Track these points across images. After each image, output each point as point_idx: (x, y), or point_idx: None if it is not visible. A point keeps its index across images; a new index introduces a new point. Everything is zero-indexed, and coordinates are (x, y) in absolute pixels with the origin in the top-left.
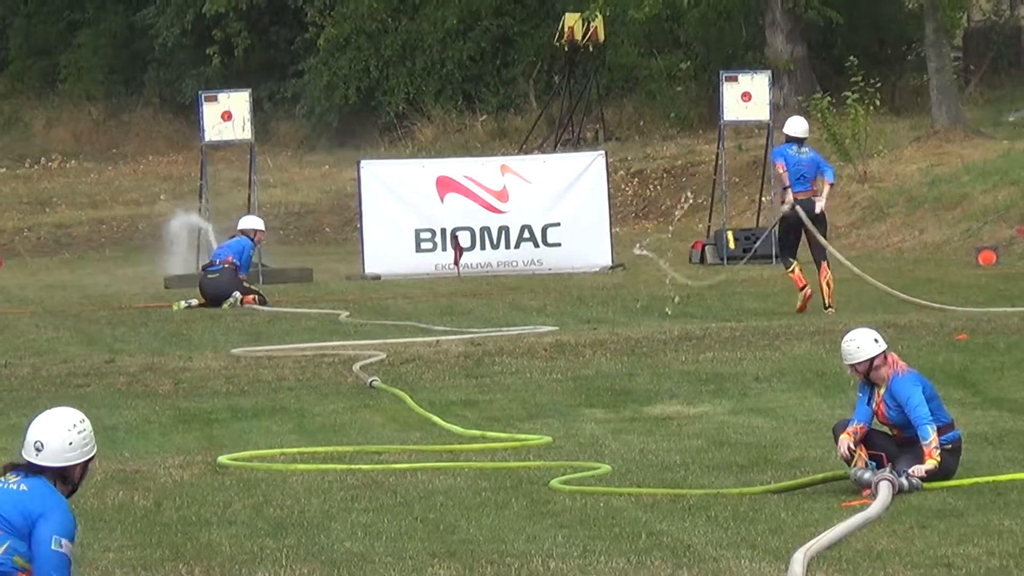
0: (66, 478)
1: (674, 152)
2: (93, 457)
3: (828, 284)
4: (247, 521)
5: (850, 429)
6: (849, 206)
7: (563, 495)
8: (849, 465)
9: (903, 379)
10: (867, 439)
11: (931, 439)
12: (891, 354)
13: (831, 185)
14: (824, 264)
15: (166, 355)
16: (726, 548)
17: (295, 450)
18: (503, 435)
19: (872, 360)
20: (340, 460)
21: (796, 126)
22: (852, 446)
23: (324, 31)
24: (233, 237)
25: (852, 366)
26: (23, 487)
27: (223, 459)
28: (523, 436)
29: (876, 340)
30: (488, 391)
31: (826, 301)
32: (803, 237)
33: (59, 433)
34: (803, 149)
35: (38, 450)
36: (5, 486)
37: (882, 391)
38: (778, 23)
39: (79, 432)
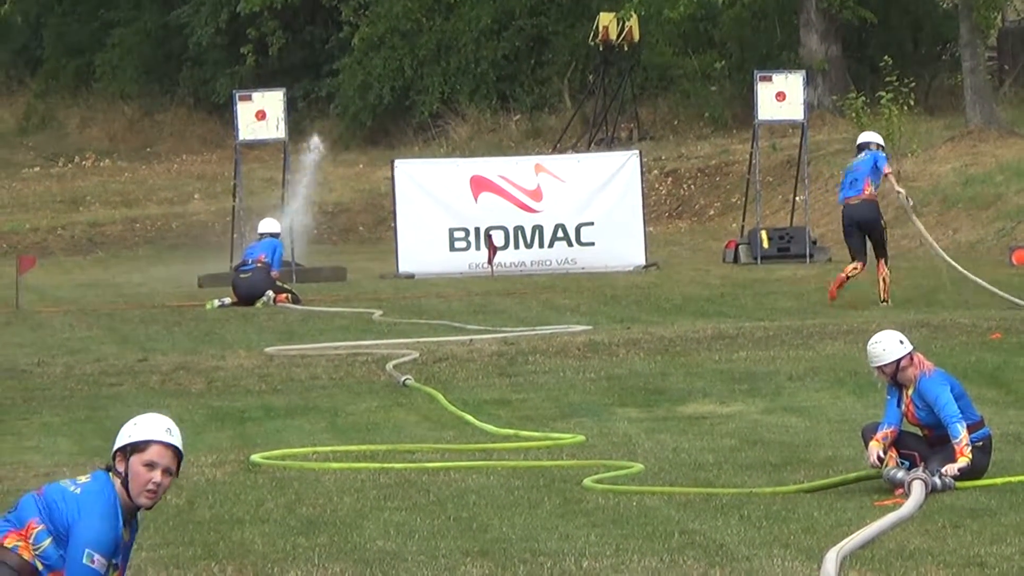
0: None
1: (708, 151)
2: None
3: (884, 280)
4: (280, 520)
5: (879, 435)
6: (883, 205)
7: (596, 494)
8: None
9: (931, 379)
10: (898, 440)
11: (961, 437)
12: (917, 355)
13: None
14: (882, 261)
15: (199, 354)
16: (759, 547)
17: (328, 449)
18: (536, 434)
19: (898, 361)
20: (373, 459)
21: (860, 136)
22: (881, 454)
23: (359, 30)
24: (263, 238)
25: (879, 368)
26: (78, 491)
27: (256, 458)
28: (556, 435)
29: (902, 341)
30: (521, 390)
31: (882, 296)
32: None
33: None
34: (860, 155)
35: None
36: (71, 485)
37: (910, 392)
38: (812, 23)
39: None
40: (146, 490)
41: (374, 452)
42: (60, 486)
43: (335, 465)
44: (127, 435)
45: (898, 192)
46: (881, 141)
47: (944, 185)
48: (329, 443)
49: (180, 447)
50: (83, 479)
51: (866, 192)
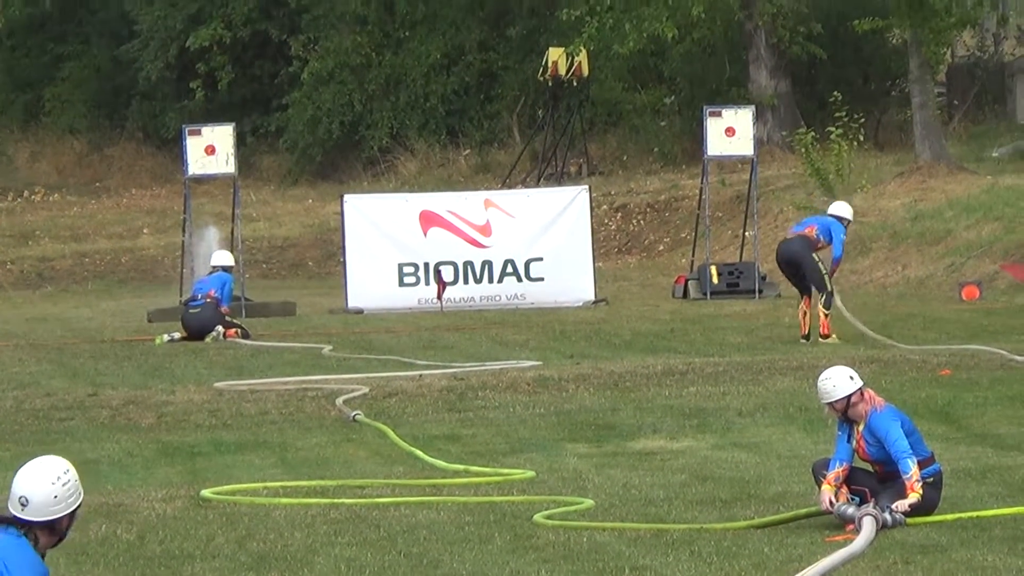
0: (54, 529)
1: (658, 187)
2: (80, 505)
3: (805, 315)
4: (230, 555)
5: (831, 476)
6: None
7: (546, 530)
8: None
9: (881, 414)
10: (849, 476)
11: (912, 473)
12: (867, 390)
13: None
14: (806, 298)
15: (149, 388)
16: None
17: (278, 484)
18: (486, 469)
19: (849, 398)
20: (323, 494)
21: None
22: (833, 499)
23: (308, 65)
24: (212, 272)
25: (829, 404)
26: None
27: (206, 493)
28: (506, 470)
29: (852, 377)
30: (471, 425)
31: (802, 330)
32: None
33: (43, 487)
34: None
35: (23, 505)
36: None
37: (861, 428)
38: (762, 58)
39: (63, 484)
40: None
41: (324, 487)
42: None
43: (285, 500)
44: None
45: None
46: (849, 216)
47: (893, 220)
48: (279, 478)
49: (37, 520)
50: None
51: (807, 232)
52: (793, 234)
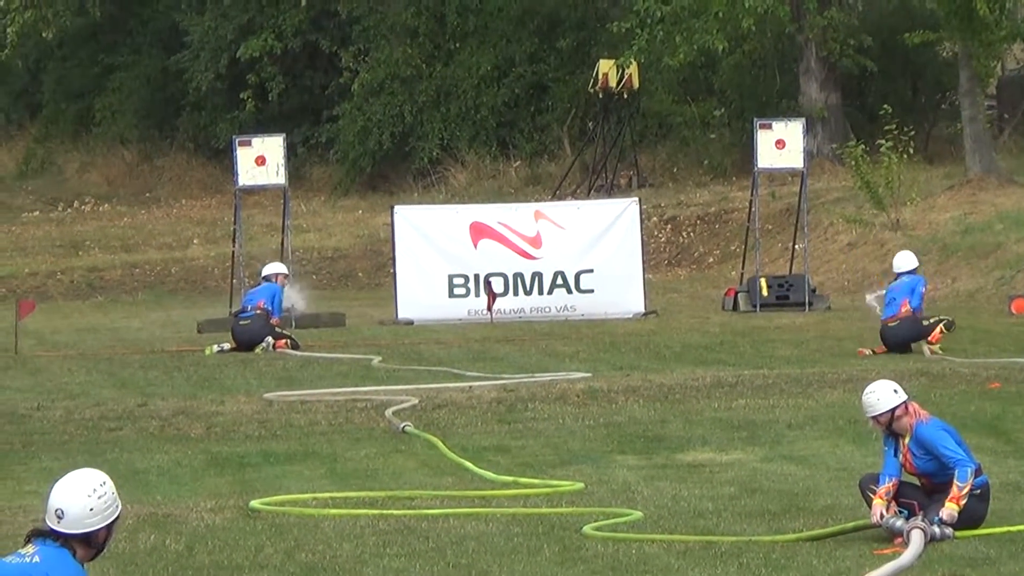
0: (90, 542)
1: (708, 199)
2: (118, 518)
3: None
4: (279, 566)
5: (881, 491)
6: (882, 254)
7: (595, 541)
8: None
9: (927, 426)
10: (897, 490)
11: (967, 483)
12: (912, 404)
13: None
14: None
15: (198, 399)
16: None
17: (327, 495)
18: (535, 481)
19: (893, 411)
20: (372, 505)
21: (898, 260)
22: (884, 512)
23: (358, 76)
24: (261, 283)
25: (874, 418)
26: (36, 559)
27: (255, 503)
28: (555, 482)
29: (896, 391)
30: (520, 437)
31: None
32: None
33: (79, 499)
34: (901, 277)
35: (59, 518)
36: (21, 559)
37: (907, 441)
38: (812, 71)
39: (99, 497)
40: None
41: (373, 498)
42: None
43: (334, 511)
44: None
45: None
46: (916, 263)
47: (943, 234)
48: (328, 489)
49: (72, 532)
50: (31, 549)
51: (903, 311)
52: (893, 318)
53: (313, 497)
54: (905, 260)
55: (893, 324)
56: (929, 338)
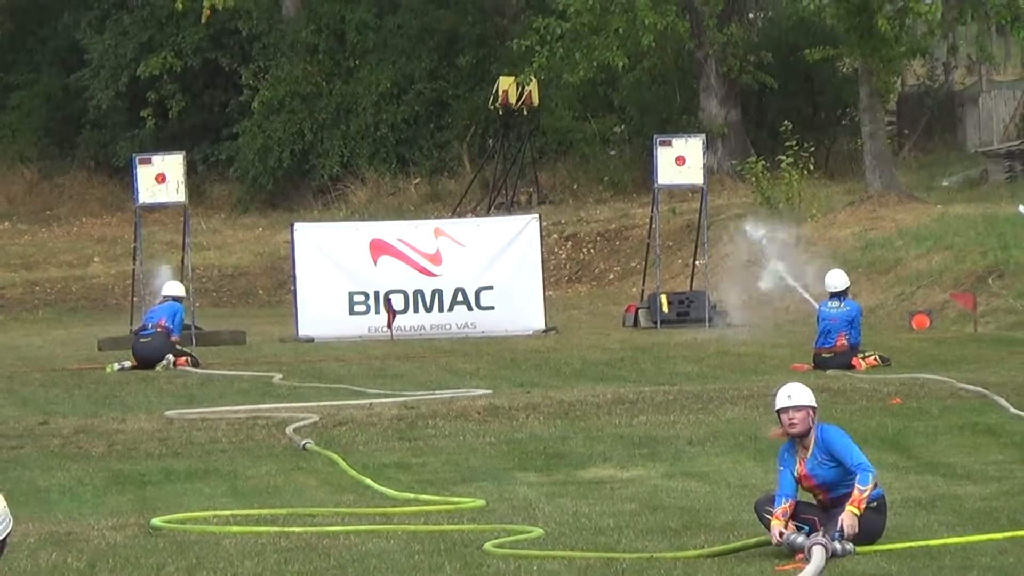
0: None
1: (608, 216)
2: (7, 537)
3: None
4: None
5: (778, 512)
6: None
7: (496, 558)
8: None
9: (831, 427)
10: (794, 509)
11: (868, 487)
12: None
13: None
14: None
15: (99, 417)
16: None
17: (228, 512)
18: (436, 498)
19: (814, 409)
20: (273, 523)
21: (831, 279)
22: (783, 530)
23: (258, 94)
24: (163, 302)
25: (793, 408)
26: None
27: (156, 521)
28: (456, 499)
29: (810, 393)
30: (421, 454)
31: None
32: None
33: None
34: (838, 303)
35: None
36: None
37: (810, 450)
38: (712, 87)
39: None
40: None
41: (274, 516)
42: None
43: (235, 529)
44: None
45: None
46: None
47: (844, 250)
48: (229, 507)
49: None
50: None
51: (838, 346)
52: (829, 350)
53: (214, 515)
54: (838, 279)
55: (828, 356)
56: (861, 365)
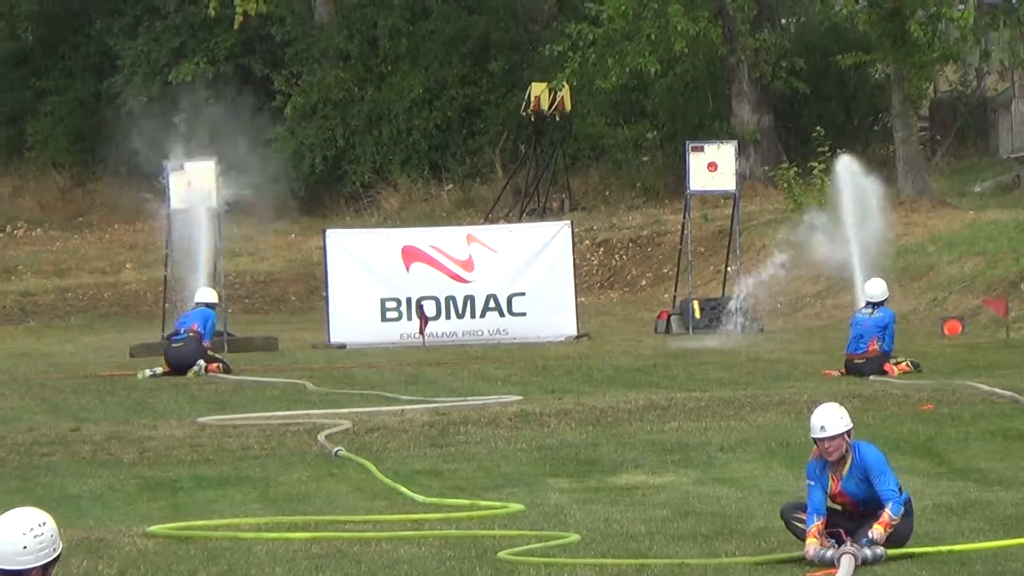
0: None
1: (640, 222)
2: (55, 561)
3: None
4: None
5: (813, 530)
6: (815, 276)
7: (528, 565)
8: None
9: (868, 447)
10: (825, 526)
11: (898, 518)
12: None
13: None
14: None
15: (131, 424)
16: None
17: (260, 519)
18: (467, 503)
19: (849, 432)
20: (305, 529)
21: (870, 288)
22: (819, 548)
23: (291, 100)
24: (195, 308)
25: (827, 440)
26: None
27: (153, 529)
28: (488, 504)
29: (842, 417)
30: (453, 460)
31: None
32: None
33: (12, 536)
34: (871, 310)
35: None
36: None
37: (845, 471)
38: (745, 93)
39: (35, 536)
40: None
41: (306, 522)
42: None
43: (267, 535)
44: None
45: None
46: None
47: (876, 255)
48: (261, 513)
49: (23, 568)
50: None
51: (870, 351)
52: (861, 356)
53: (246, 521)
54: (876, 288)
55: (860, 361)
56: (893, 371)
